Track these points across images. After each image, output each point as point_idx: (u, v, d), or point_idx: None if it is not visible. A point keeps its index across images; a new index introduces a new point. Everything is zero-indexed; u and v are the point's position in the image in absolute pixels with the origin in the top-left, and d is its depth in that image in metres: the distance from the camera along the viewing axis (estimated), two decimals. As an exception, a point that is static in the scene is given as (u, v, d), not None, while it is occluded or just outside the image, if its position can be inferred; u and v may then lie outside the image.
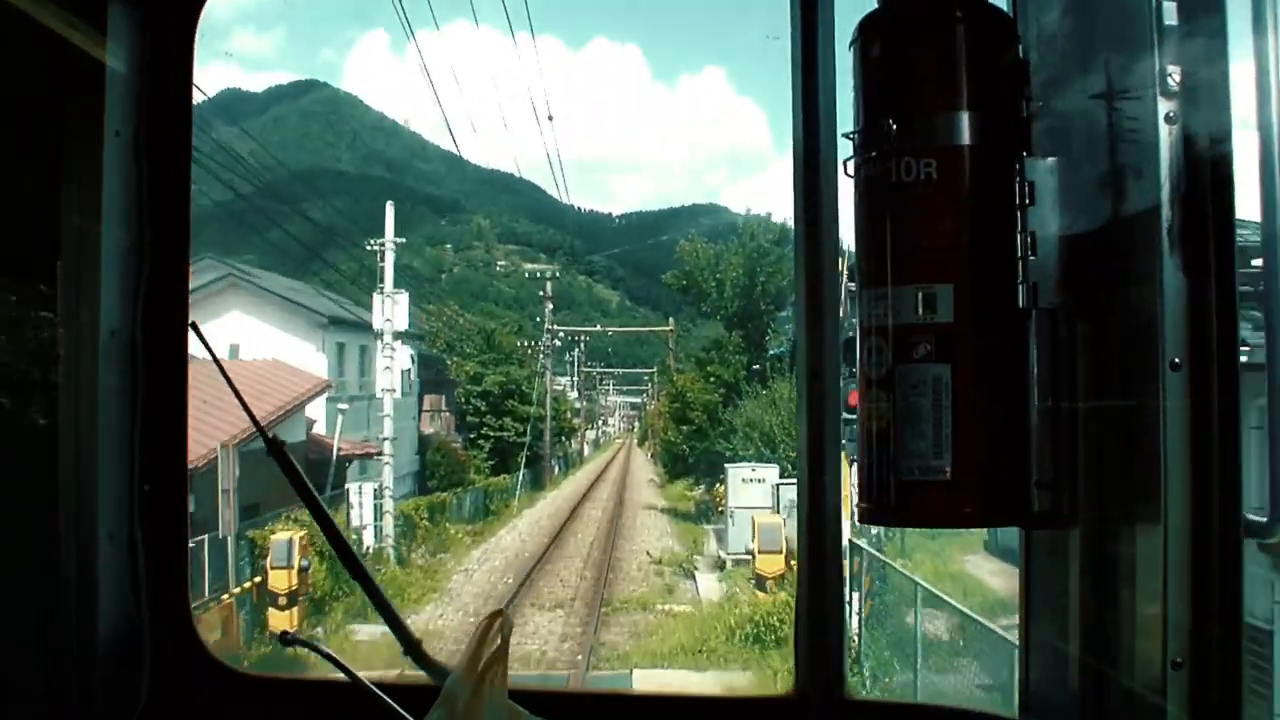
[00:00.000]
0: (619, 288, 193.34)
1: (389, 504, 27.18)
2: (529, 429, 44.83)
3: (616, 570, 26.56)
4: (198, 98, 2.48)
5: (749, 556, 23.03)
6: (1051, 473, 1.63)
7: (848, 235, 1.79)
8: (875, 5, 1.71)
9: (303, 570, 19.47)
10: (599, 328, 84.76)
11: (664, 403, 49.33)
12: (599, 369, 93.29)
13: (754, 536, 22.26)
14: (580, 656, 18.84)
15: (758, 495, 26.36)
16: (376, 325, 29.29)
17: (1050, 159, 1.63)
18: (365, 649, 17.05)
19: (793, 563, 18.60)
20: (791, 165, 1.96)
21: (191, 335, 2.12)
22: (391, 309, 29.08)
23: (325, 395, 29.27)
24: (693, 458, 41.05)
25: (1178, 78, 1.42)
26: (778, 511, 24.07)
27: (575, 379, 74.35)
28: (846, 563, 16.55)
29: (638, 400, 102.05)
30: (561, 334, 60.50)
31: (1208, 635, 1.39)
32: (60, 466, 2.08)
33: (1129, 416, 1.52)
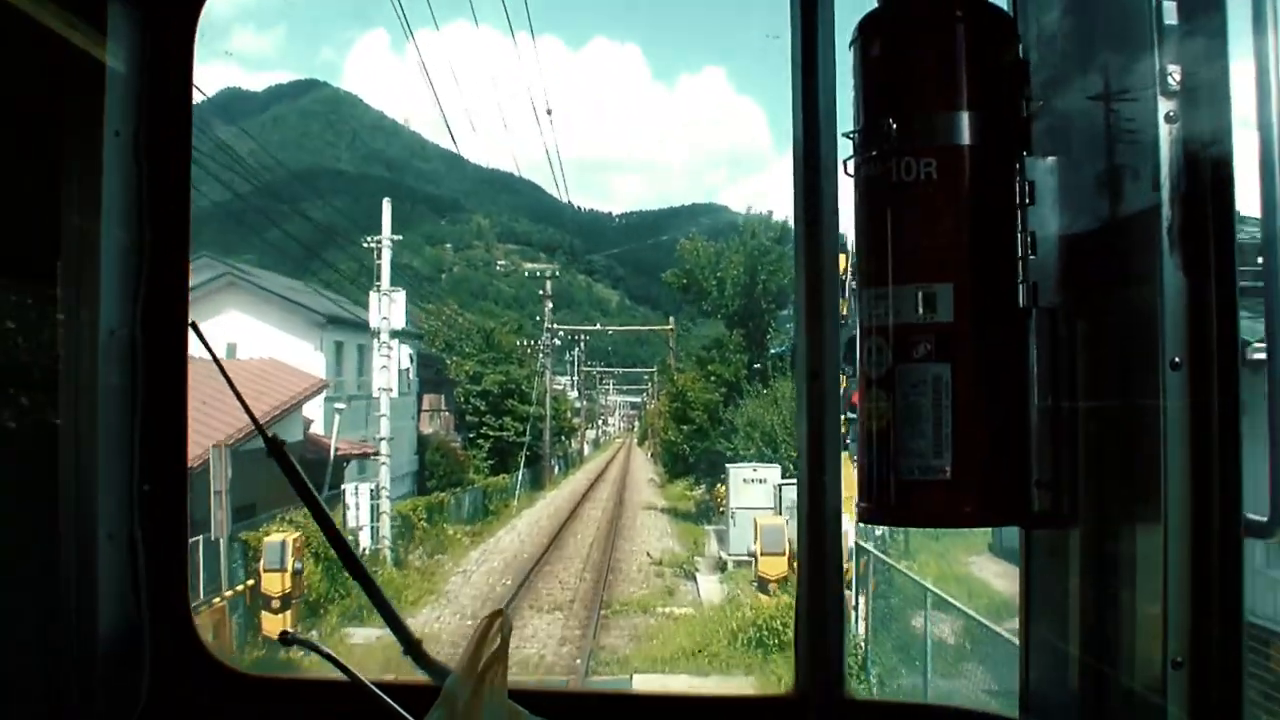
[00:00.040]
0: (619, 287, 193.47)
1: (385, 505, 26.89)
2: (528, 428, 44.81)
3: (616, 572, 26.31)
4: (198, 97, 2.48)
5: (750, 558, 22.74)
6: (1051, 472, 1.63)
7: (848, 235, 1.79)
8: (875, 4, 1.71)
9: (296, 573, 19.12)
10: (599, 326, 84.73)
11: (664, 402, 49.26)
12: (599, 368, 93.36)
13: (756, 538, 21.87)
14: (579, 661, 18.54)
15: (759, 496, 26.04)
16: (373, 323, 28.89)
17: (1050, 158, 1.63)
18: (360, 652, 16.87)
19: (795, 564, 18.41)
20: (791, 165, 1.96)
21: (191, 335, 2.12)
22: (388, 307, 28.73)
23: (323, 395, 29.18)
24: (693, 457, 40.95)
25: (1178, 77, 1.42)
26: (780, 513, 23.71)
27: (575, 378, 74.38)
28: (853, 565, 16.45)
29: (637, 399, 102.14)
30: (561, 333, 60.53)
31: (1208, 635, 1.39)
32: (60, 466, 2.08)
33: (1129, 416, 1.52)
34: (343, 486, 26.44)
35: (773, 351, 40.33)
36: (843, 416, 2.03)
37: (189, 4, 2.20)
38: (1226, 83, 1.39)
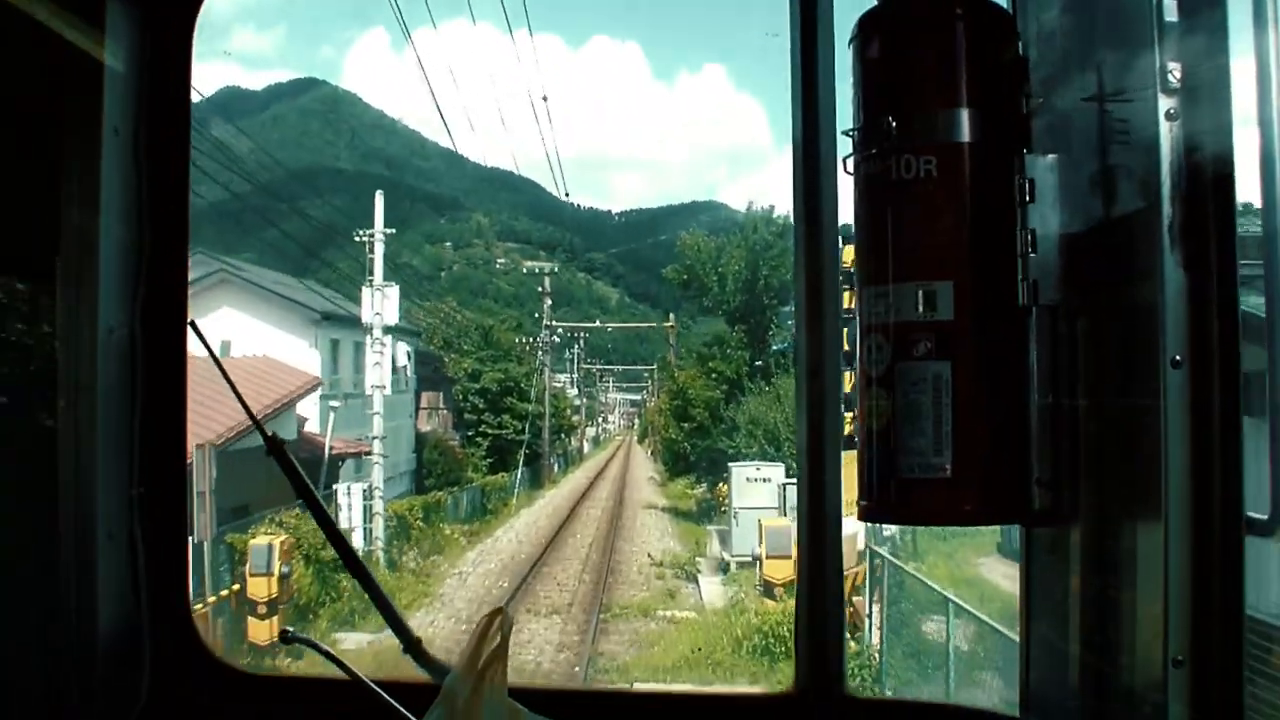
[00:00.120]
0: (618, 285, 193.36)
1: (379, 505, 26.27)
2: (528, 426, 44.74)
3: (616, 573, 25.88)
4: (197, 96, 2.48)
5: (753, 560, 22.40)
6: (1052, 470, 1.63)
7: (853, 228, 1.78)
8: (875, 2, 1.71)
9: (284, 577, 18.57)
10: (598, 324, 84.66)
11: (664, 399, 49.17)
12: (598, 366, 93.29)
13: (761, 540, 21.38)
14: (578, 669, 18.00)
15: (763, 495, 25.57)
16: (365, 319, 28.36)
17: (1050, 156, 1.63)
18: (350, 658, 16.62)
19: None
20: (791, 163, 1.96)
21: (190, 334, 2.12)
22: (381, 302, 28.15)
23: (318, 392, 28.90)
24: (694, 455, 40.84)
25: (1178, 74, 1.42)
26: (784, 514, 23.08)
27: (574, 376, 74.39)
28: (867, 569, 16.20)
29: (637, 397, 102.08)
30: (561, 330, 60.49)
31: (1209, 633, 1.39)
32: (60, 466, 2.08)
33: (1130, 414, 1.52)
34: (335, 487, 25.90)
35: (775, 348, 40.24)
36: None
37: (188, 3, 2.20)
38: (1227, 80, 1.39)
